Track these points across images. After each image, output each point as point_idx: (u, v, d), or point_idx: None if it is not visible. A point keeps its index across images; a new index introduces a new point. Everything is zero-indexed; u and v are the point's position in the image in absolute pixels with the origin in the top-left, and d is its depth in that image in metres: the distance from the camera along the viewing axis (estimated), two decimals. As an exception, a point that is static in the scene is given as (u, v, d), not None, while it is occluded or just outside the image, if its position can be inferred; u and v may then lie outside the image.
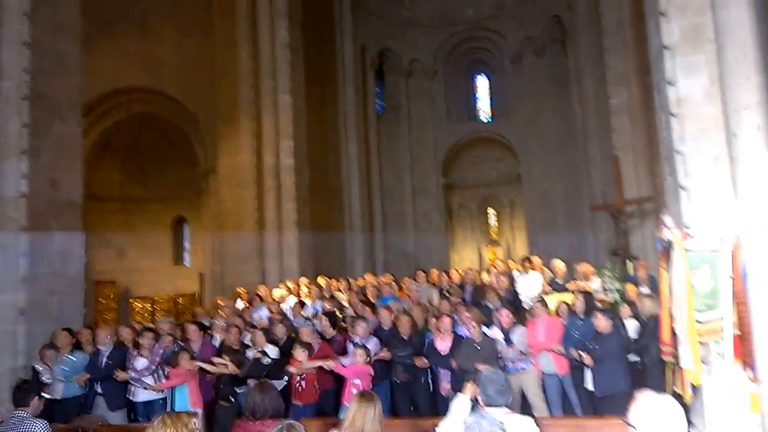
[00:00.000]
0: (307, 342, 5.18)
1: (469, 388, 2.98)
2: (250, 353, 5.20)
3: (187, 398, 4.96)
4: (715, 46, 3.90)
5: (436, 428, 2.80)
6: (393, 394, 5.37)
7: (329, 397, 5.14)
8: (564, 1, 13.51)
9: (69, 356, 5.33)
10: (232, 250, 10.40)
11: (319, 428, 3.80)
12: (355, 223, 13.92)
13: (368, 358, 4.81)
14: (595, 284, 6.53)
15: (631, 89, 9.82)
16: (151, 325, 6.42)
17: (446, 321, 5.25)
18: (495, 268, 7.43)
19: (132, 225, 13.62)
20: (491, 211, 16.53)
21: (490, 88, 16.78)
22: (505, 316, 5.33)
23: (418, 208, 15.59)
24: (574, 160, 13.62)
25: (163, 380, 5.19)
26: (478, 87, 16.96)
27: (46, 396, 5.15)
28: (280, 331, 5.58)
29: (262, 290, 7.92)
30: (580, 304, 5.28)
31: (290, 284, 8.27)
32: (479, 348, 4.92)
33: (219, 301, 7.95)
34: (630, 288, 5.74)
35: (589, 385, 4.88)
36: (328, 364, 4.83)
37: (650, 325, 4.73)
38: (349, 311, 6.44)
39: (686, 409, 3.73)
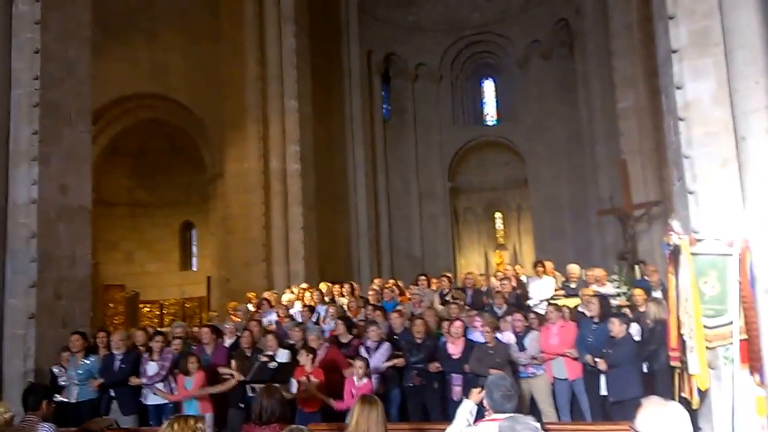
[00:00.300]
0: (311, 347, 5.20)
1: (475, 394, 2.97)
2: (264, 358, 5.21)
3: (197, 403, 4.99)
4: (723, 49, 3.88)
5: None
6: (404, 399, 5.37)
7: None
8: (571, 4, 13.48)
9: (84, 360, 5.40)
10: (239, 254, 10.45)
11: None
12: (361, 227, 13.94)
13: (367, 370, 4.81)
14: (608, 289, 6.49)
15: (639, 92, 9.76)
16: (161, 329, 6.46)
17: (458, 325, 5.24)
18: (505, 272, 7.39)
19: (140, 229, 13.77)
20: (498, 215, 16.47)
21: (497, 91, 16.76)
22: (518, 320, 5.32)
23: (424, 212, 15.57)
24: (581, 163, 13.55)
25: (173, 384, 5.24)
26: (485, 91, 16.95)
27: (63, 399, 5.25)
28: (296, 335, 5.61)
29: (268, 295, 7.96)
30: (594, 309, 5.20)
31: (294, 289, 8.30)
32: (491, 353, 4.92)
33: (230, 306, 7.99)
34: (638, 292, 5.68)
35: (603, 390, 4.82)
36: (330, 403, 4.84)
37: (657, 330, 4.67)
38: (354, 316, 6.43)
39: (694, 414, 3.71)
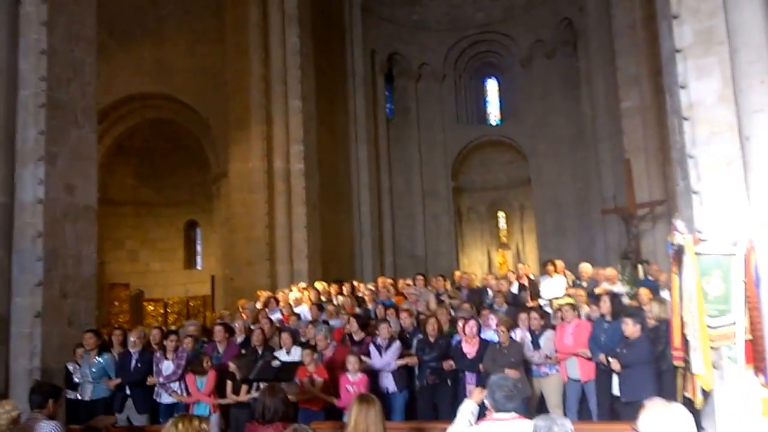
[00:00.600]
0: (313, 345, 5.23)
1: (476, 394, 2.98)
2: (284, 356, 5.24)
3: (209, 404, 5.03)
4: (727, 48, 3.86)
5: None
6: (415, 398, 5.39)
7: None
8: (575, 3, 13.44)
9: (97, 358, 5.45)
10: (243, 253, 10.50)
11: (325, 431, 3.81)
12: (364, 226, 13.96)
13: (361, 365, 4.84)
14: (619, 288, 6.51)
15: (643, 91, 9.73)
16: (174, 328, 6.51)
17: (472, 324, 5.25)
18: (516, 271, 7.37)
19: (145, 228, 13.85)
20: (501, 214, 16.44)
21: (500, 90, 16.73)
22: (534, 318, 5.32)
23: (427, 211, 15.57)
24: (584, 163, 13.52)
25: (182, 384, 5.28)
26: (488, 90, 16.92)
27: (78, 396, 5.30)
28: (310, 333, 5.66)
29: (280, 294, 8.02)
30: (606, 307, 5.18)
31: (294, 288, 8.34)
32: (506, 352, 4.93)
33: (240, 303, 8.04)
34: (644, 291, 5.67)
35: (616, 389, 4.79)
36: (329, 400, 4.90)
37: (662, 330, 4.64)
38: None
39: (697, 414, 3.70)
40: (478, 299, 6.61)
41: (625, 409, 4.61)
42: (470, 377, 5.13)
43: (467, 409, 2.84)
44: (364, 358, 5.35)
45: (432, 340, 5.30)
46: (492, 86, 16.89)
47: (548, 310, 6.16)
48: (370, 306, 6.96)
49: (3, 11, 5.43)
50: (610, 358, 4.72)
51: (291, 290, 8.27)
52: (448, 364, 5.21)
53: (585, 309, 5.57)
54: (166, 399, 5.32)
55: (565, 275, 6.95)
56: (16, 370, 5.52)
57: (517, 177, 15.82)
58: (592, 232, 12.85)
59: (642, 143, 9.69)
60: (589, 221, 13.12)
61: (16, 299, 5.54)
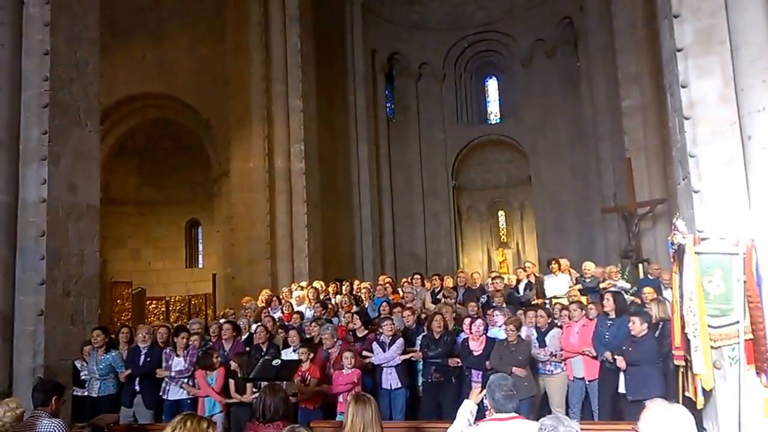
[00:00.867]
0: (310, 343, 5.26)
1: (475, 394, 3.00)
2: (292, 354, 5.26)
3: (215, 401, 5.07)
4: (728, 47, 3.85)
5: None
6: (417, 396, 5.41)
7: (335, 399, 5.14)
8: (575, 2, 13.44)
9: (105, 355, 5.50)
10: (244, 252, 10.53)
11: (326, 431, 3.83)
12: (364, 226, 13.99)
13: (358, 360, 4.88)
14: (623, 284, 6.56)
15: (644, 90, 9.74)
16: (184, 325, 6.55)
17: (479, 323, 5.27)
18: (525, 270, 7.36)
19: (147, 227, 13.89)
20: (501, 213, 16.46)
21: (500, 90, 16.74)
22: (540, 316, 5.33)
23: (427, 210, 15.60)
24: (584, 162, 13.53)
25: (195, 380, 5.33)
26: (488, 90, 16.92)
27: (85, 393, 5.33)
28: (314, 330, 5.72)
29: (281, 292, 8.06)
30: (610, 305, 5.17)
31: (295, 287, 8.37)
32: (513, 350, 4.94)
33: (245, 301, 8.07)
34: (648, 290, 5.68)
35: (623, 388, 4.77)
36: (323, 388, 4.94)
37: (666, 329, 4.63)
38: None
39: (698, 414, 3.70)
40: (474, 298, 6.62)
41: (630, 408, 4.59)
42: (476, 375, 5.15)
43: (466, 409, 2.84)
44: (366, 353, 5.38)
45: (437, 336, 5.32)
46: (492, 85, 16.91)
47: (548, 308, 6.17)
48: (367, 304, 6.99)
49: (7, 13, 5.46)
50: (615, 356, 4.70)
51: (293, 289, 8.30)
52: (454, 361, 5.24)
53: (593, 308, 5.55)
54: (172, 395, 5.35)
55: (569, 273, 6.95)
56: (19, 369, 5.53)
57: (518, 176, 15.83)
58: (593, 231, 12.86)
59: (642, 142, 9.71)
60: (589, 220, 13.14)
61: (19, 298, 5.56)
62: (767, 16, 3.79)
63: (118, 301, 12.82)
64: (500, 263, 15.36)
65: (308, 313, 6.95)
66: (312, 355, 5.08)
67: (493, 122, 16.60)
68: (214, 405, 5.10)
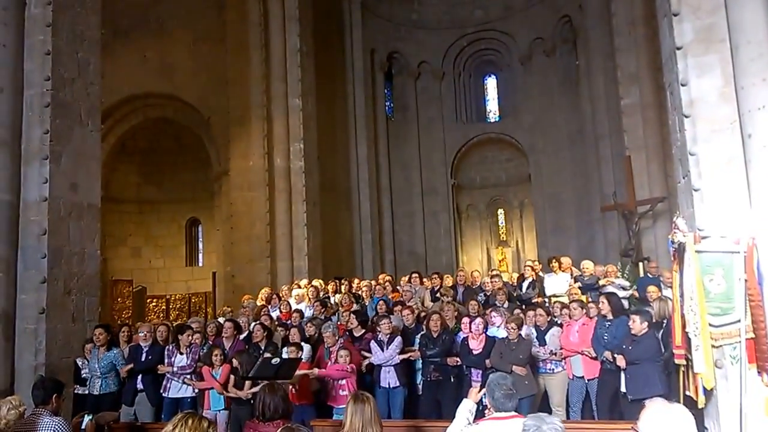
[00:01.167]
0: (297, 342, 5.27)
1: (474, 393, 3.00)
2: (286, 352, 5.28)
3: (223, 397, 5.09)
4: (728, 45, 3.85)
5: None
6: (415, 394, 5.41)
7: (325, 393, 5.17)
8: (574, 1, 13.44)
9: (107, 353, 5.53)
10: (244, 250, 10.54)
11: (326, 430, 3.84)
12: (364, 224, 14.00)
13: (352, 359, 4.88)
14: (622, 282, 6.57)
15: (643, 88, 9.76)
16: (187, 324, 6.57)
17: (478, 322, 5.28)
18: (533, 269, 7.35)
19: (147, 226, 13.91)
20: (500, 212, 16.48)
21: (499, 88, 16.73)
22: (540, 315, 5.33)
23: (427, 208, 15.61)
24: (584, 160, 13.54)
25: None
26: (487, 88, 16.93)
27: (87, 391, 5.35)
28: (309, 330, 5.76)
29: (284, 290, 8.07)
30: (606, 308, 5.15)
31: (295, 285, 8.38)
32: (514, 348, 4.93)
33: (244, 300, 8.08)
34: (652, 289, 5.68)
35: (623, 387, 4.75)
36: (312, 372, 4.96)
37: (668, 327, 4.63)
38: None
39: (699, 413, 3.68)
40: (473, 297, 6.63)
41: (631, 407, 4.56)
42: (476, 374, 5.14)
43: (465, 408, 2.84)
44: (365, 353, 5.39)
45: (435, 335, 5.32)
46: (491, 84, 16.90)
47: (549, 307, 6.18)
48: (367, 302, 7.01)
49: (9, 14, 5.48)
50: (615, 355, 4.69)
51: (293, 287, 8.31)
52: (453, 360, 5.24)
53: (593, 308, 5.55)
54: (173, 393, 5.37)
55: (571, 272, 6.93)
56: (21, 367, 5.55)
57: (517, 174, 15.85)
58: (592, 229, 12.88)
59: (642, 140, 9.73)
60: (589, 219, 13.16)
61: (21, 296, 5.58)
62: (767, 13, 3.80)
63: (119, 300, 12.84)
64: (500, 262, 15.38)
65: (308, 312, 6.97)
66: (300, 353, 5.09)
67: (493, 120, 16.60)
68: (220, 401, 5.11)
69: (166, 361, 5.45)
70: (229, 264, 11.04)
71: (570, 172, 14.27)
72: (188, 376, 5.32)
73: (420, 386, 5.46)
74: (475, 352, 5.16)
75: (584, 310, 5.30)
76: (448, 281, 7.32)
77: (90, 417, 3.75)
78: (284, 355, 5.13)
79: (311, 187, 11.06)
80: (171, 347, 5.53)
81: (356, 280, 8.43)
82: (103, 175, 6.95)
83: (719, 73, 3.85)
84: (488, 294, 6.68)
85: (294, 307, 7.19)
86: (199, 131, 12.29)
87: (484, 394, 2.83)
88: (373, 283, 7.83)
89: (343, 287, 7.71)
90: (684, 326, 3.73)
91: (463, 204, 16.46)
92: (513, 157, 15.95)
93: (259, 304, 7.69)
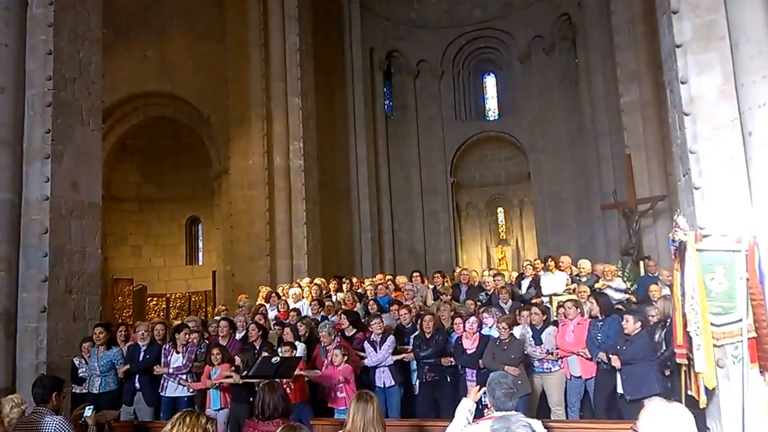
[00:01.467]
0: (290, 341, 5.27)
1: (474, 392, 3.00)
2: (281, 351, 5.29)
3: (220, 396, 5.10)
4: (728, 43, 3.84)
5: None
6: (411, 393, 5.40)
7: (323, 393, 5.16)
8: (573, -1, 13.45)
9: (106, 352, 5.53)
10: (244, 249, 10.55)
11: (326, 429, 3.85)
12: (363, 223, 14.01)
13: (346, 358, 4.89)
14: (618, 283, 6.54)
15: (643, 86, 9.77)
16: (185, 323, 6.57)
17: (472, 321, 5.26)
18: (534, 267, 7.35)
19: (148, 224, 13.93)
20: (500, 210, 16.50)
21: (498, 87, 16.73)
22: (535, 314, 5.32)
23: (426, 207, 15.62)
24: (584, 158, 13.56)
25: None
26: (486, 87, 16.93)
27: (84, 390, 5.34)
28: (302, 329, 5.74)
29: (282, 289, 8.06)
30: (595, 309, 5.14)
31: (295, 284, 8.39)
32: (506, 348, 4.92)
33: (240, 299, 8.08)
34: (654, 288, 5.66)
35: (620, 388, 4.73)
36: (307, 374, 4.96)
37: (670, 326, 4.63)
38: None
39: (701, 413, 3.67)
40: (477, 296, 6.63)
41: (629, 408, 4.55)
42: (470, 374, 5.13)
43: (465, 407, 2.85)
44: (359, 353, 5.39)
45: (428, 336, 5.29)
46: (490, 82, 16.90)
47: (548, 306, 6.18)
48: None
49: (12, 14, 5.50)
50: (610, 355, 4.68)
51: (293, 286, 8.31)
52: (447, 360, 5.22)
53: (588, 306, 5.58)
54: (170, 392, 5.37)
55: (570, 271, 6.88)
56: (22, 365, 5.57)
57: (516, 173, 15.86)
58: (593, 228, 12.90)
59: (642, 138, 9.73)
60: (589, 217, 13.17)
61: (22, 295, 5.60)
62: (767, 11, 3.80)
63: (120, 298, 12.84)
64: (499, 260, 15.39)
65: (308, 311, 6.96)
66: (294, 352, 5.09)
67: (492, 119, 16.60)
68: (219, 400, 5.11)
69: (162, 360, 5.44)
70: (229, 262, 11.05)
71: (570, 170, 14.28)
72: (184, 377, 5.32)
73: (417, 386, 5.45)
74: (468, 352, 5.14)
75: (579, 310, 5.29)
76: (449, 281, 7.30)
77: (91, 408, 3.73)
78: (297, 353, 5.15)
79: (311, 186, 11.07)
80: (168, 346, 5.53)
81: (355, 279, 8.43)
82: (104, 174, 6.96)
83: (719, 70, 3.84)
84: (490, 293, 6.66)
85: (291, 306, 7.17)
86: (199, 130, 12.30)
87: (484, 394, 2.83)
88: (377, 279, 7.80)
89: (344, 286, 7.70)
90: (685, 325, 3.71)
91: (463, 202, 16.47)
92: (512, 155, 15.96)
93: (258, 302, 7.70)
